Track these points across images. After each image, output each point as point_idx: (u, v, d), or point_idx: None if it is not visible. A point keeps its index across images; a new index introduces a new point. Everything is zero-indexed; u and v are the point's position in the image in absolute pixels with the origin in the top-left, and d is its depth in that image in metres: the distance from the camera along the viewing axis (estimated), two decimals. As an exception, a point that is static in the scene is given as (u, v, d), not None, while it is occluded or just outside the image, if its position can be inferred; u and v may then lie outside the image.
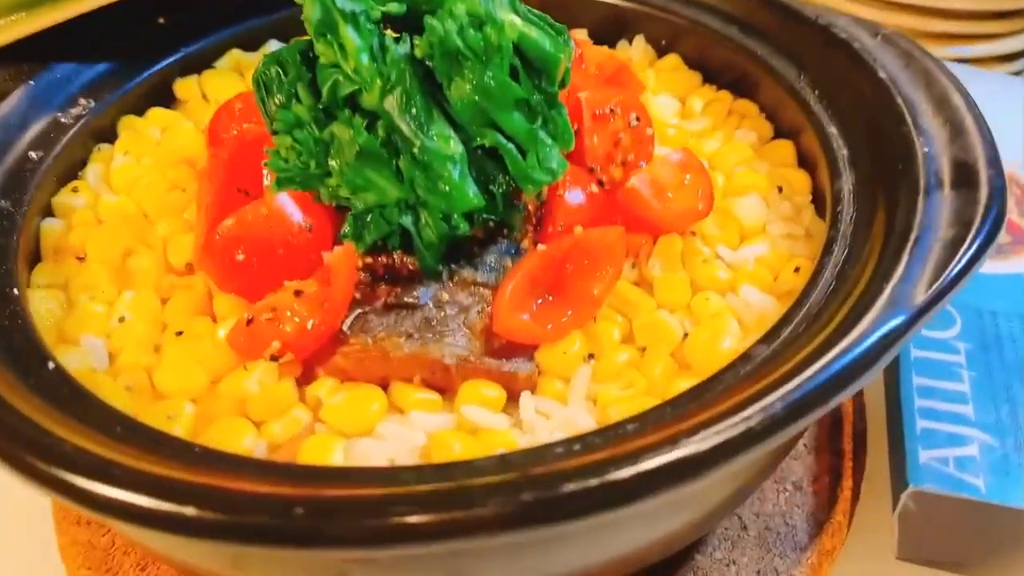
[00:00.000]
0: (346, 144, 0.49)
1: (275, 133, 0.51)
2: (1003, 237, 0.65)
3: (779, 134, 0.65)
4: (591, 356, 0.49)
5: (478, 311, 0.49)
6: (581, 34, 0.74)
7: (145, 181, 0.59)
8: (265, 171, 0.54)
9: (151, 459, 0.37)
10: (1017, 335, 0.57)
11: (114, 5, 0.60)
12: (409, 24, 0.50)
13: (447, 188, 0.48)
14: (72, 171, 0.61)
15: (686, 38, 0.71)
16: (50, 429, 0.39)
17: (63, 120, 0.61)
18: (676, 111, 0.67)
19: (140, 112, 0.66)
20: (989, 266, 0.62)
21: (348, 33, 0.48)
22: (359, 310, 0.49)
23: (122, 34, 0.67)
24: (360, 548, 0.34)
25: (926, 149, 0.50)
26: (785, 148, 0.62)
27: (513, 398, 0.48)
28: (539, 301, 0.49)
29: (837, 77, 0.59)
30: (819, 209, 0.58)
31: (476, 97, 0.48)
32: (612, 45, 0.75)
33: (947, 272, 0.42)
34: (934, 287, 0.41)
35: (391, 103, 0.48)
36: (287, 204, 0.49)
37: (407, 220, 0.49)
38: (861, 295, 0.42)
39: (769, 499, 0.57)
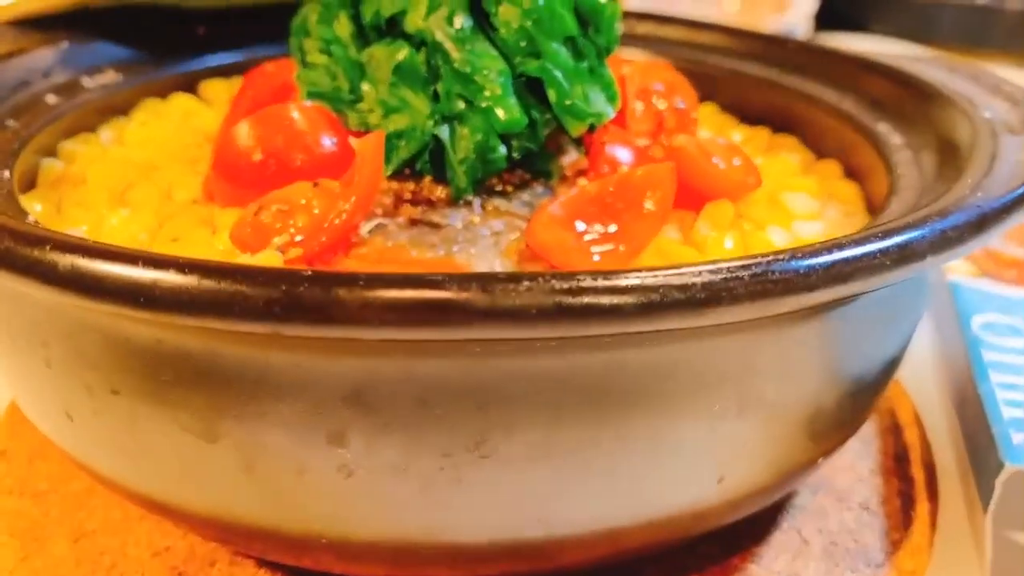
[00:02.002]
0: (383, 61, 0.46)
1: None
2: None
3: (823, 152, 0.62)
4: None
5: (512, 238, 0.44)
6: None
7: (159, 138, 0.56)
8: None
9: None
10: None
11: (158, 11, 0.61)
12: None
13: (490, 101, 0.45)
14: (85, 128, 0.58)
15: (720, 85, 0.71)
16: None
17: (86, 84, 0.59)
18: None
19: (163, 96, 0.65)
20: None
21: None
22: (379, 220, 0.43)
23: (162, 34, 0.67)
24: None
25: (988, 115, 0.47)
26: (832, 166, 0.60)
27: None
28: (587, 222, 0.44)
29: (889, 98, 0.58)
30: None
31: (525, 22, 0.46)
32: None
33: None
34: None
35: (436, 21, 0.46)
36: (317, 111, 0.46)
37: (442, 131, 0.45)
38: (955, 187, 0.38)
39: (832, 516, 0.48)
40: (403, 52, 0.46)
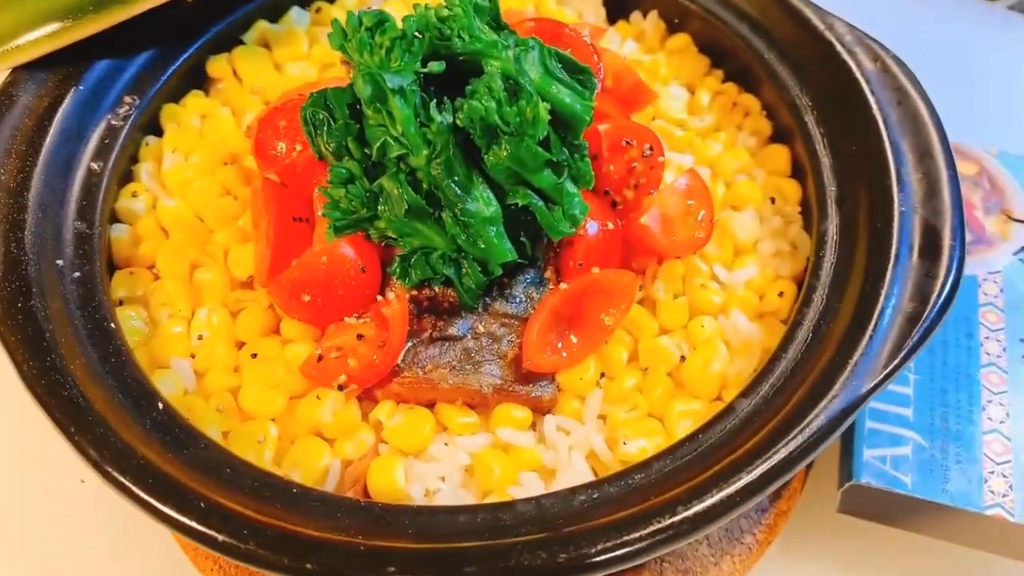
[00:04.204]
0: (395, 199, 0.55)
1: (328, 185, 0.56)
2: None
3: (777, 131, 0.70)
4: (603, 375, 0.59)
5: (509, 341, 0.58)
6: (598, 10, 0.77)
7: (197, 185, 0.65)
8: (316, 200, 0.60)
9: (243, 499, 0.47)
10: (961, 339, 0.67)
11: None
12: (448, 81, 0.55)
13: (485, 246, 0.55)
14: (128, 171, 0.66)
15: (697, 21, 0.74)
16: (166, 470, 0.49)
17: (115, 123, 0.65)
18: (685, 103, 0.72)
19: (179, 97, 0.70)
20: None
21: (397, 104, 0.52)
22: (409, 343, 0.57)
23: (153, 20, 0.68)
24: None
25: (903, 209, 0.57)
26: (780, 154, 0.68)
27: (540, 413, 0.58)
28: (560, 335, 0.58)
29: (834, 103, 0.64)
30: (806, 216, 0.66)
31: (510, 164, 0.54)
32: (626, 16, 0.78)
33: (905, 348, 0.51)
34: (893, 364, 0.51)
35: (437, 168, 0.54)
36: (346, 252, 0.56)
37: (450, 271, 0.56)
38: (830, 363, 0.52)
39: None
40: (410, 196, 0.54)
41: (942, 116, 0.63)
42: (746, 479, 0.47)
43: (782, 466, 0.47)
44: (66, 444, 0.49)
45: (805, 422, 0.49)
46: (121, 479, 0.47)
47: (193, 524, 0.46)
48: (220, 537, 0.45)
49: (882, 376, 0.50)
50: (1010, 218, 0.74)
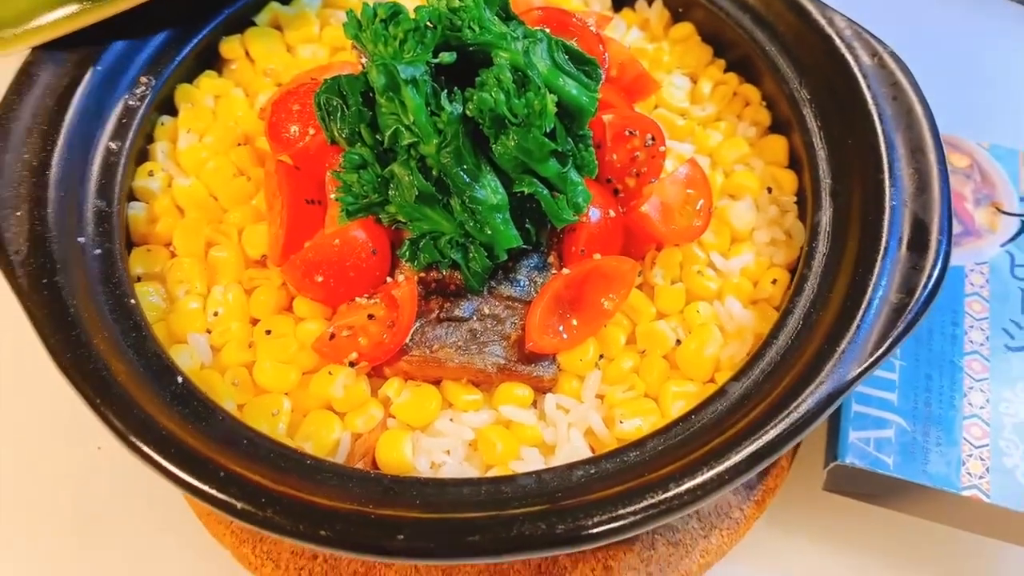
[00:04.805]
0: (406, 185, 0.57)
1: (340, 169, 0.59)
2: (955, 227, 0.75)
3: (775, 123, 0.72)
4: (601, 357, 0.62)
5: (512, 323, 0.60)
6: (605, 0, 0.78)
7: (212, 165, 0.67)
8: (329, 183, 0.62)
9: (260, 469, 0.50)
10: (947, 327, 0.69)
11: None
12: (458, 70, 0.57)
13: (491, 232, 0.57)
14: (144, 150, 0.68)
15: (700, 11, 0.76)
16: (187, 440, 0.52)
17: (131, 103, 0.67)
18: (687, 92, 0.74)
19: (193, 77, 0.72)
20: (936, 256, 0.73)
21: (409, 94, 0.54)
22: (418, 323, 0.60)
23: (168, 1, 0.70)
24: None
25: (894, 203, 0.59)
26: (778, 145, 0.71)
27: (541, 392, 0.61)
28: (561, 319, 0.60)
29: (833, 97, 0.66)
30: (801, 207, 0.68)
31: (517, 154, 0.56)
32: (632, 3, 0.79)
33: (890, 338, 0.54)
34: (877, 352, 0.53)
35: (447, 157, 0.56)
36: (358, 235, 0.59)
37: (458, 255, 0.58)
38: (818, 350, 0.54)
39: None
40: (420, 182, 0.57)
41: (937, 109, 0.65)
42: (735, 458, 0.49)
43: (770, 447, 0.50)
44: (91, 414, 0.52)
45: (793, 405, 0.51)
46: (145, 449, 0.50)
47: (214, 492, 0.49)
48: (239, 505, 0.48)
49: (868, 363, 0.53)
50: (999, 210, 0.77)
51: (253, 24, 0.75)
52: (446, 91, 0.56)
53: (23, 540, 0.66)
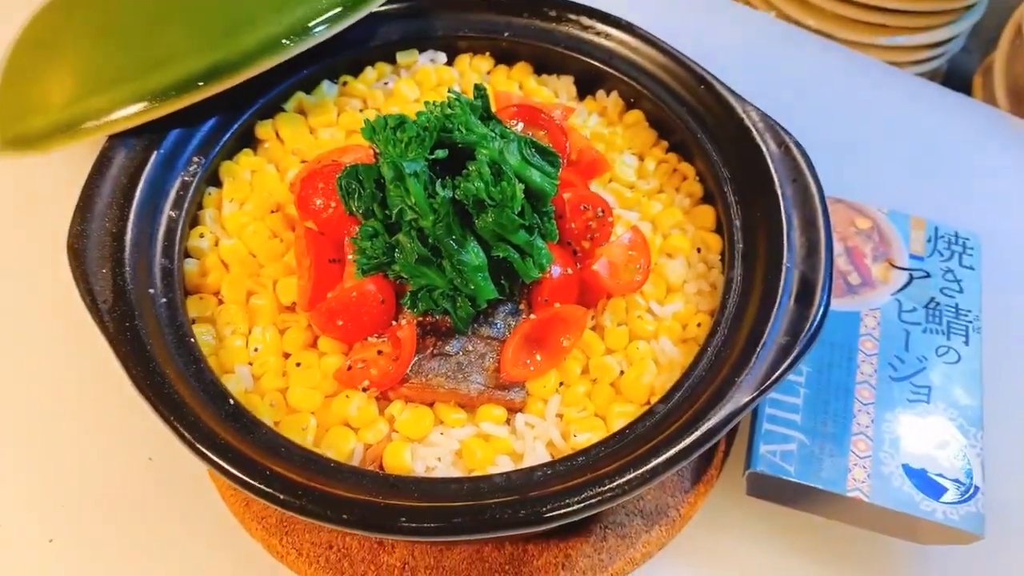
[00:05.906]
0: (408, 251, 0.74)
1: (357, 236, 0.75)
2: (854, 279, 0.92)
3: (705, 195, 0.89)
4: (561, 384, 0.78)
5: (491, 357, 0.77)
6: (570, 89, 0.96)
7: (251, 228, 0.83)
8: (347, 246, 0.78)
9: (295, 470, 0.66)
10: (843, 362, 0.86)
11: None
12: (450, 164, 0.73)
13: (475, 287, 0.74)
14: (196, 216, 0.84)
15: (647, 102, 0.93)
16: (240, 448, 0.67)
17: (186, 179, 0.83)
18: (635, 169, 0.91)
19: (234, 155, 0.88)
20: (838, 303, 0.90)
21: (412, 183, 0.71)
22: (416, 357, 0.76)
23: (214, 96, 0.86)
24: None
25: (788, 264, 0.76)
26: (707, 213, 0.87)
27: (513, 412, 0.77)
28: (529, 354, 0.77)
29: (747, 176, 0.83)
30: (723, 263, 0.85)
31: (494, 228, 0.72)
32: (593, 93, 0.97)
33: (777, 372, 0.70)
34: (766, 383, 0.70)
35: (440, 229, 0.72)
36: (370, 288, 0.75)
37: (448, 304, 0.75)
38: (724, 380, 0.71)
39: (670, 455, 0.88)
40: (419, 249, 0.73)
41: (848, 179, 0.82)
42: (655, 462, 0.65)
43: (683, 453, 0.66)
44: (165, 429, 0.68)
45: (702, 423, 0.67)
46: (210, 455, 0.65)
47: (261, 487, 0.64)
48: (281, 496, 0.64)
49: (759, 391, 0.69)
50: (892, 265, 0.94)
51: (283, 110, 0.92)
52: (440, 179, 0.72)
53: (85, 539, 0.81)
